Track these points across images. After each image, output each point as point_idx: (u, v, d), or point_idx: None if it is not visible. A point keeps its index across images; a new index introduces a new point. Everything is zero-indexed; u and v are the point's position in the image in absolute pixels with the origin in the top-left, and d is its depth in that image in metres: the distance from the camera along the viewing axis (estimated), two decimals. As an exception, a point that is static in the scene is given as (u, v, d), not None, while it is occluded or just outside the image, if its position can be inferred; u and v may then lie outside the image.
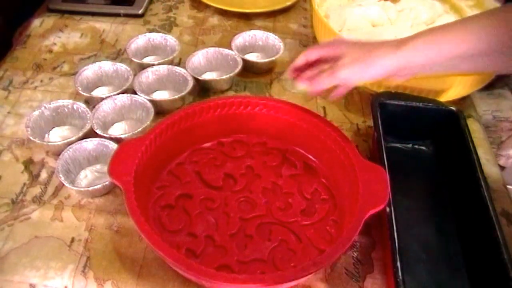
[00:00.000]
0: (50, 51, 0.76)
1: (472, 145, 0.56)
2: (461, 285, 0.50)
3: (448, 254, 0.52)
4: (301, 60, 0.54)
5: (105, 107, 0.62)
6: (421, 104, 0.60)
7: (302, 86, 0.53)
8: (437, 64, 0.47)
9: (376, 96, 0.60)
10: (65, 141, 0.56)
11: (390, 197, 0.48)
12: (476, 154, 0.55)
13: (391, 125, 0.58)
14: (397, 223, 0.47)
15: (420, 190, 0.59)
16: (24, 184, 0.56)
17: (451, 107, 0.60)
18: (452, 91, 0.62)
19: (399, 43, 0.48)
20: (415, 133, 0.63)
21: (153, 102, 0.63)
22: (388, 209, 0.48)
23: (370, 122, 0.68)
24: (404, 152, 0.63)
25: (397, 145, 0.63)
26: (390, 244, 0.46)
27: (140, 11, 0.85)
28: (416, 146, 0.64)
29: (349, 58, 0.49)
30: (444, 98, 0.64)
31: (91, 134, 0.58)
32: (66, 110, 0.61)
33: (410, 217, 0.55)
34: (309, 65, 0.54)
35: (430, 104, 0.61)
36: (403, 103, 0.60)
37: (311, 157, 0.59)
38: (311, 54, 0.53)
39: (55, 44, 0.78)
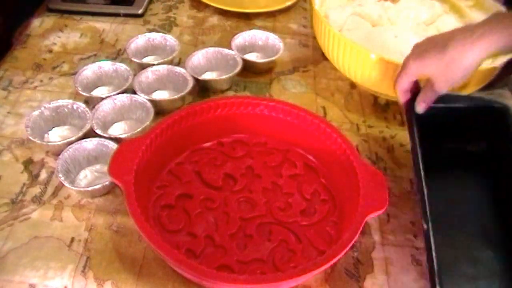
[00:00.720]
0: (50, 51, 0.76)
1: None
2: None
3: (500, 268, 0.49)
4: (402, 95, 0.54)
5: (105, 107, 0.62)
6: (462, 104, 0.55)
7: (422, 109, 0.52)
8: None
9: (411, 101, 0.54)
10: (65, 141, 0.56)
11: (427, 211, 0.45)
12: None
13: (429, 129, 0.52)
14: (438, 238, 0.43)
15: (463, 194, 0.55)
16: (24, 184, 0.56)
17: (495, 103, 0.55)
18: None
19: (478, 36, 0.46)
20: (460, 135, 0.57)
21: (153, 102, 0.63)
22: (425, 226, 0.45)
23: (371, 122, 0.68)
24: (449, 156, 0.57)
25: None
26: (428, 265, 0.43)
27: (140, 11, 0.85)
28: (461, 148, 0.58)
29: (442, 78, 0.49)
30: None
31: (91, 134, 0.58)
32: (66, 110, 0.61)
33: (453, 230, 0.51)
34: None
35: (473, 103, 0.55)
36: (441, 105, 0.53)
37: (311, 157, 0.59)
38: (404, 85, 0.53)
39: (55, 44, 0.78)
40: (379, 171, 0.51)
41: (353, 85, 0.74)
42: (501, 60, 0.60)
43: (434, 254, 0.43)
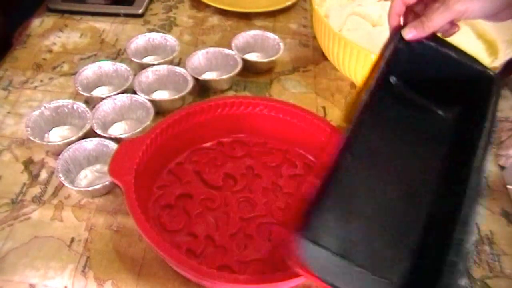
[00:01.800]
0: (50, 51, 0.76)
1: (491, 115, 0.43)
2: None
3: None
4: (398, 3, 0.42)
5: (105, 107, 0.62)
6: (455, 55, 0.45)
7: (410, 35, 0.42)
8: None
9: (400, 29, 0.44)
10: (65, 141, 0.56)
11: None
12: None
13: (410, 71, 0.44)
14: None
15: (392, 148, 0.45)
16: (24, 184, 0.56)
17: (490, 71, 0.46)
18: None
19: None
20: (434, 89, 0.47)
21: (153, 102, 0.63)
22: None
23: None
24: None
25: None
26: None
27: (140, 11, 0.85)
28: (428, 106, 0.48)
29: None
30: None
31: (91, 134, 0.58)
32: (66, 110, 0.61)
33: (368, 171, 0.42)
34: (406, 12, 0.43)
35: (467, 59, 0.45)
36: (433, 44, 0.43)
37: (311, 157, 0.59)
38: (397, 3, 0.42)
39: (55, 44, 0.78)
40: None
41: (353, 85, 0.74)
42: (501, 60, 0.60)
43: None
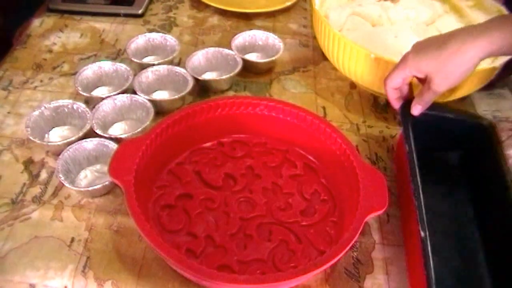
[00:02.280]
0: (50, 51, 0.76)
1: (504, 160, 0.53)
2: None
3: (477, 277, 0.50)
4: (391, 92, 0.54)
5: (105, 107, 0.62)
6: (452, 115, 0.57)
7: (416, 112, 0.53)
8: None
9: (405, 105, 0.55)
10: (65, 141, 0.56)
11: (424, 219, 0.45)
12: (509, 171, 0.52)
13: (419, 135, 0.53)
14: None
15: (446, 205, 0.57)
16: (24, 184, 0.56)
17: (483, 120, 0.57)
18: (459, 92, 0.62)
19: (479, 33, 0.46)
20: (442, 144, 0.59)
21: (153, 102, 0.63)
22: (422, 234, 0.44)
23: (370, 122, 0.68)
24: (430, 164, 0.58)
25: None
26: (426, 274, 0.42)
27: (140, 11, 0.85)
28: (442, 157, 0.60)
29: (440, 76, 0.49)
30: (451, 98, 0.63)
31: (91, 134, 0.58)
32: (66, 110, 0.61)
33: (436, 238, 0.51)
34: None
35: (461, 116, 0.58)
36: (434, 113, 0.55)
37: (311, 157, 0.59)
38: (396, 81, 0.53)
39: (55, 44, 0.78)
40: (379, 171, 0.51)
41: (353, 85, 0.74)
42: (501, 60, 0.60)
43: (431, 261, 0.43)
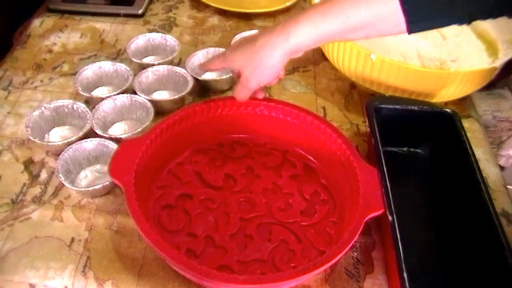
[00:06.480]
0: (50, 51, 0.76)
1: (469, 147, 0.55)
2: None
3: (450, 258, 0.52)
4: (205, 69, 0.58)
5: (105, 107, 0.62)
6: (416, 107, 0.59)
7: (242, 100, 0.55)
8: (329, 39, 0.47)
9: (371, 101, 0.59)
10: (65, 141, 0.56)
11: (392, 204, 0.47)
12: (474, 156, 0.54)
13: (387, 130, 0.56)
14: (399, 230, 0.46)
15: (419, 195, 0.59)
16: (24, 184, 0.56)
17: (446, 109, 0.59)
18: (444, 92, 0.62)
19: (286, 33, 0.46)
20: (410, 137, 0.62)
21: (153, 102, 0.63)
22: (390, 217, 0.46)
23: (370, 122, 0.68)
24: (401, 157, 0.62)
25: (393, 149, 0.62)
26: (395, 254, 0.44)
27: (140, 11, 0.85)
28: (412, 150, 0.63)
29: (247, 70, 0.50)
30: (437, 99, 0.64)
31: (91, 134, 0.58)
32: (66, 110, 0.61)
33: (411, 222, 0.54)
34: None
35: (425, 107, 0.60)
36: (398, 106, 0.59)
37: (311, 158, 0.59)
38: (211, 69, 0.59)
39: (55, 44, 0.78)
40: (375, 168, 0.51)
41: (353, 85, 0.74)
42: (501, 60, 0.60)
43: (399, 243, 0.45)
